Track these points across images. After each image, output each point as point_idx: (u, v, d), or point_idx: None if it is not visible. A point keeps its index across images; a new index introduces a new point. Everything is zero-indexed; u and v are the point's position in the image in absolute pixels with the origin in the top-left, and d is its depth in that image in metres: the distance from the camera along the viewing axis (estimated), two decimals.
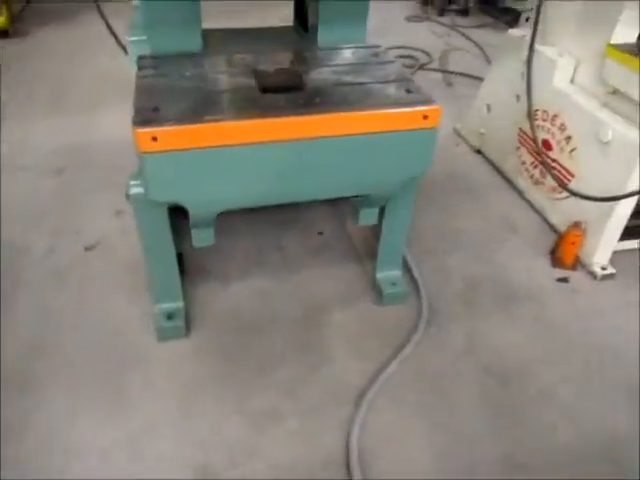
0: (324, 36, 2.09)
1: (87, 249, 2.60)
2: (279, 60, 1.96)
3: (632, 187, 2.37)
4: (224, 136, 1.53)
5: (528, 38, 2.87)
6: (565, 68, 2.72)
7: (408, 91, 1.75)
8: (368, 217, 2.04)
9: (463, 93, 4.25)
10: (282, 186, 1.69)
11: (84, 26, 5.27)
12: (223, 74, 1.84)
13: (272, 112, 1.57)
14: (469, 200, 3.09)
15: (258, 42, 2.19)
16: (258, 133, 1.56)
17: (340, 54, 2.04)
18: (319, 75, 1.84)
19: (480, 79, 4.45)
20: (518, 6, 5.64)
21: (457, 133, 3.71)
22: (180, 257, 2.23)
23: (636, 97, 2.33)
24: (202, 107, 1.60)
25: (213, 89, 1.72)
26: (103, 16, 2.50)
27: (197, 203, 1.67)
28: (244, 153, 1.58)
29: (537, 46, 2.83)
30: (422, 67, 4.70)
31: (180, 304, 2.15)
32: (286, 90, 1.71)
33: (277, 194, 1.73)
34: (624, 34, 2.47)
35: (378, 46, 2.10)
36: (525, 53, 2.87)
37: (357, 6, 2.05)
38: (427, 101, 1.69)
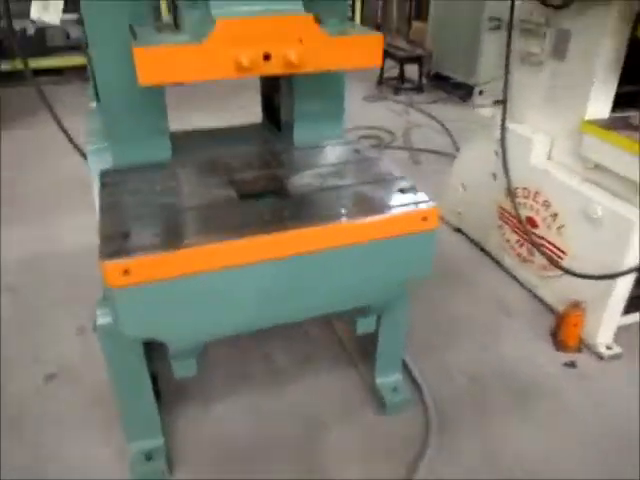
0: (300, 134, 1.97)
1: (47, 379, 2.30)
2: (256, 164, 1.82)
3: (629, 262, 2.27)
4: (206, 261, 1.35)
5: (498, 118, 2.85)
6: (541, 145, 2.69)
7: (402, 191, 1.62)
8: (366, 325, 1.85)
9: (432, 170, 4.23)
10: (274, 309, 1.50)
11: (40, 123, 5.11)
12: (198, 186, 1.68)
13: (258, 229, 1.40)
14: (457, 283, 2.96)
15: (230, 144, 2.05)
16: (245, 254, 1.38)
17: (320, 153, 1.92)
18: (302, 179, 1.70)
19: (446, 154, 4.50)
20: (470, 81, 5.83)
21: None
22: (154, 378, 1.97)
23: (621, 172, 2.29)
24: (179, 228, 1.42)
25: (189, 205, 1.55)
26: (54, 116, 2.24)
27: (178, 337, 1.46)
28: (231, 277, 1.39)
29: (508, 124, 2.80)
30: (387, 146, 4.70)
31: (160, 441, 1.88)
32: (269, 200, 1.56)
33: (268, 318, 1.54)
34: (596, 109, 2.46)
35: (357, 141, 2.00)
36: (497, 132, 2.84)
37: (333, 101, 1.95)
38: (423, 201, 1.56)
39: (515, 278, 2.96)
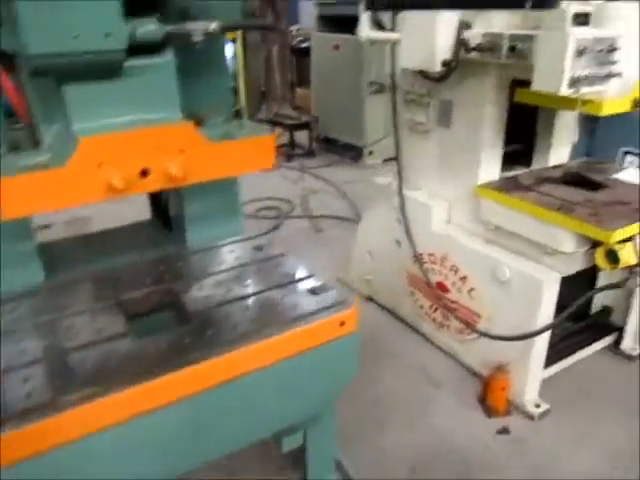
0: (193, 234, 1.78)
1: None
2: (146, 277, 1.60)
3: (543, 320, 2.28)
4: (97, 418, 1.11)
5: (395, 185, 2.85)
6: (440, 210, 2.70)
7: (313, 292, 1.48)
8: (292, 442, 1.65)
9: (335, 237, 4.18)
10: (186, 454, 1.27)
11: None
12: (79, 315, 1.42)
13: (156, 367, 1.19)
14: (377, 356, 2.84)
15: (115, 252, 1.81)
16: (143, 401, 1.15)
17: (217, 255, 1.74)
18: (201, 291, 1.51)
19: (347, 219, 4.49)
20: (359, 142, 5.98)
21: (342, 282, 3.54)
22: None
23: (520, 233, 2.32)
24: (59, 382, 1.17)
25: (70, 345, 1.30)
26: None
27: None
28: (128, 431, 1.15)
29: (406, 191, 2.80)
30: (287, 216, 4.62)
31: None
32: (165, 325, 1.35)
33: (181, 465, 1.30)
34: (487, 172, 2.52)
35: (259, 236, 1.85)
36: (395, 200, 2.83)
37: (226, 196, 1.79)
38: (339, 303, 1.43)
39: (435, 344, 2.90)
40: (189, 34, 1.16)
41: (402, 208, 2.79)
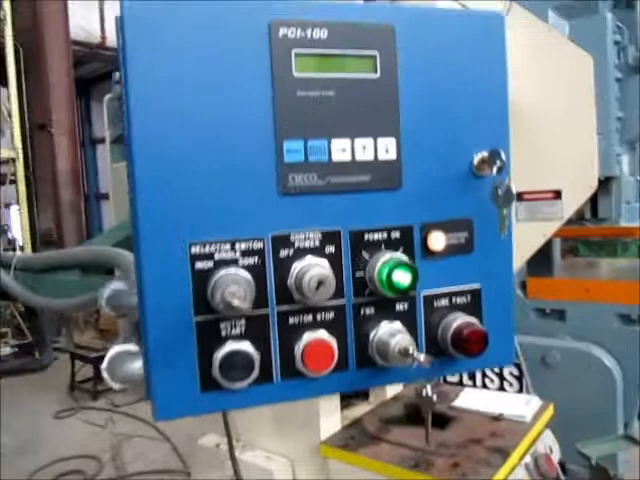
0: None
1: None
2: None
3: None
4: None
5: (224, 446, 2.39)
6: (283, 473, 2.28)
7: None
8: None
9: None
10: None
11: None
12: None
13: None
14: None
15: None
16: None
17: None
18: None
19: (172, 472, 3.76)
20: None
21: None
22: None
23: None
24: None
25: None
26: None
27: None
28: None
29: (238, 454, 2.35)
30: None
31: None
32: None
33: None
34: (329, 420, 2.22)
35: None
36: (228, 465, 2.35)
37: None
38: None
39: None
40: None
41: (237, 474, 2.31)
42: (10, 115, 6.42)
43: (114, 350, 0.89)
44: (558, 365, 3.26)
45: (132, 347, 0.87)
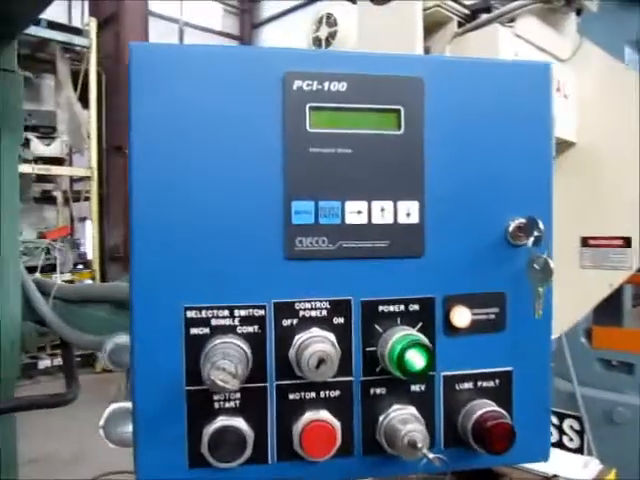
0: None
1: None
2: None
3: None
4: None
5: None
6: None
7: None
8: None
9: None
10: None
11: None
12: None
13: None
14: None
15: None
16: None
17: None
18: None
19: None
20: None
21: None
22: None
23: None
24: None
25: None
26: None
27: None
28: None
29: None
30: None
31: None
32: None
33: None
34: None
35: None
36: None
37: None
38: None
39: None
40: None
41: None
42: (89, 136, 6.78)
43: (111, 408, 0.85)
44: (626, 423, 2.97)
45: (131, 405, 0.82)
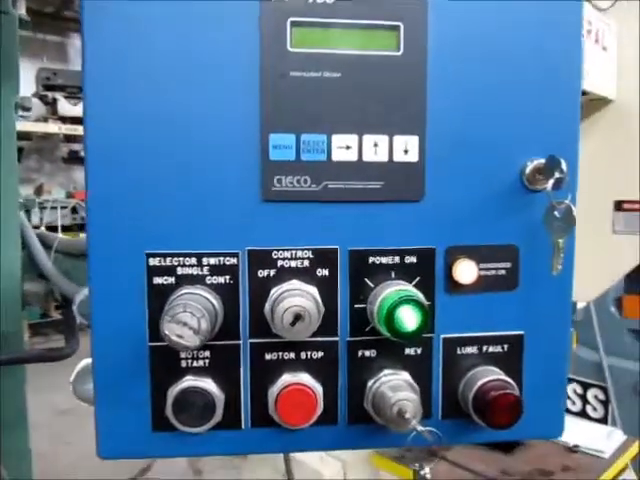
0: None
1: None
2: None
3: None
4: None
5: None
6: (334, 476, 2.17)
7: None
8: None
9: None
10: None
11: None
12: None
13: None
14: None
15: None
16: None
17: None
18: None
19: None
20: None
21: None
22: None
23: None
24: None
25: None
26: None
27: None
28: None
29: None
30: None
31: None
32: None
33: None
34: None
35: None
36: (280, 461, 2.26)
37: None
38: None
39: None
40: None
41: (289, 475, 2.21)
42: None
43: (83, 363, 0.78)
44: None
45: None
